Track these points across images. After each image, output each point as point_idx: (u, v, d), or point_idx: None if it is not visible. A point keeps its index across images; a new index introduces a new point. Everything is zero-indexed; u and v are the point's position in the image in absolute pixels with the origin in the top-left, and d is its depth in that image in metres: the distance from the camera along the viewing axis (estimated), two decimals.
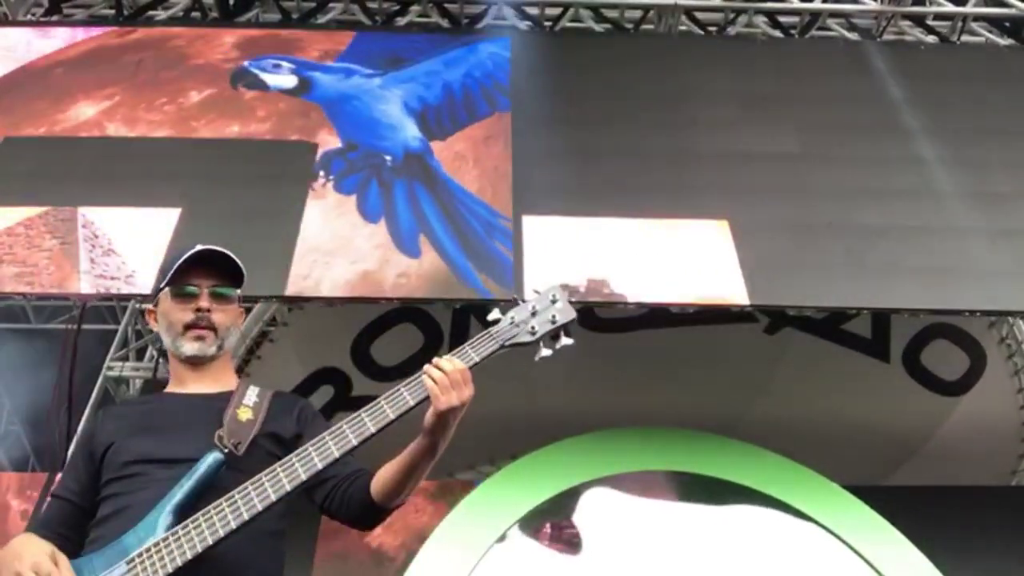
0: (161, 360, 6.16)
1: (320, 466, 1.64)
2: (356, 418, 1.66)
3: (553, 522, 3.93)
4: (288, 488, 1.62)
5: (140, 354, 6.38)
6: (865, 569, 3.81)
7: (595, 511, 3.96)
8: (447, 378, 1.66)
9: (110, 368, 6.00)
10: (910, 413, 5.72)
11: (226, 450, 1.71)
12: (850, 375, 5.75)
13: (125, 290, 3.94)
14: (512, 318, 1.74)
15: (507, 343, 1.73)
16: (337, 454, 1.64)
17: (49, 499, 1.89)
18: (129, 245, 3.99)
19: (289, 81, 4.80)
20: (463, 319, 5.66)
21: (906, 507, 4.05)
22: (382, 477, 1.75)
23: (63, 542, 1.70)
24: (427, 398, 1.66)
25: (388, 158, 4.42)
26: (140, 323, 6.48)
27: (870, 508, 3.96)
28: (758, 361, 5.71)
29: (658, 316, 5.23)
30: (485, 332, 1.74)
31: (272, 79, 4.80)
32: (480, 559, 3.74)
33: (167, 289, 1.89)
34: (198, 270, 1.89)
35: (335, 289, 3.90)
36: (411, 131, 4.55)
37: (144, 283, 3.87)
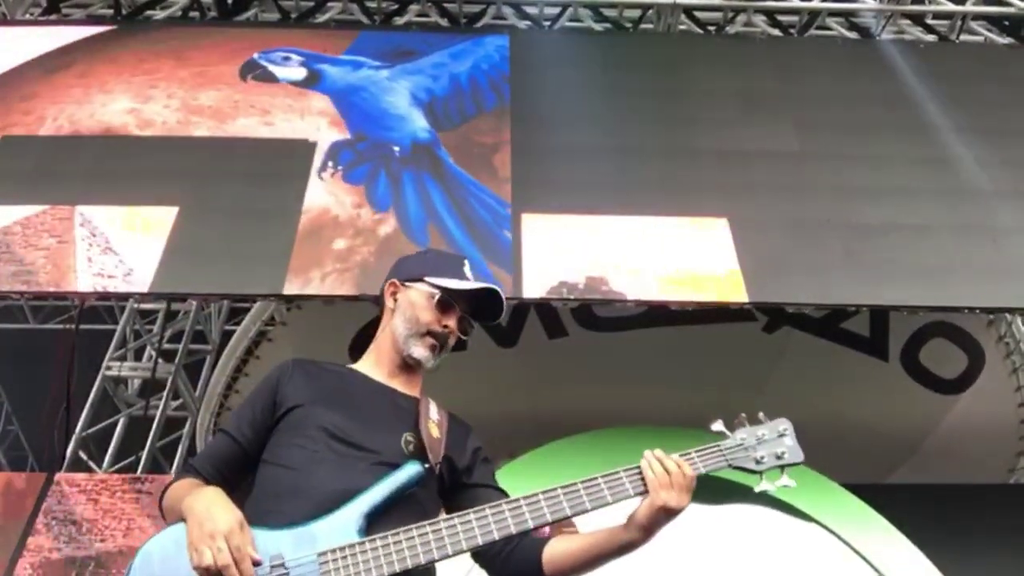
0: (160, 360, 6.16)
1: (531, 525, 1.59)
2: (572, 489, 1.63)
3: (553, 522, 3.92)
4: (496, 536, 1.58)
5: (138, 354, 6.38)
6: (865, 568, 3.80)
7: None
8: (669, 477, 1.64)
9: (108, 368, 6.00)
10: (909, 412, 5.72)
11: (427, 465, 1.66)
12: (849, 374, 5.75)
13: (123, 288, 3.92)
14: (742, 440, 1.72)
15: (733, 464, 1.71)
16: (550, 518, 1.60)
17: (220, 433, 1.82)
18: (127, 243, 3.97)
19: (298, 73, 4.82)
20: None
21: (906, 506, 4.04)
22: (562, 549, 1.69)
23: (224, 485, 1.66)
24: (645, 492, 1.63)
25: (396, 149, 4.44)
26: (138, 323, 6.49)
27: (870, 507, 3.96)
28: (756, 360, 5.70)
29: (657, 315, 5.23)
30: (714, 446, 1.72)
31: (281, 71, 4.82)
32: None
33: (437, 290, 1.81)
34: (464, 291, 1.83)
35: (334, 288, 3.90)
36: (419, 122, 4.57)
37: (142, 281, 3.87)
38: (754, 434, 1.73)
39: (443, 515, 1.64)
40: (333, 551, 1.54)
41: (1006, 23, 5.65)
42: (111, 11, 5.49)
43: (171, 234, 3.96)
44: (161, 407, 5.95)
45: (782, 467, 1.72)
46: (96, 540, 4.05)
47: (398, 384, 1.82)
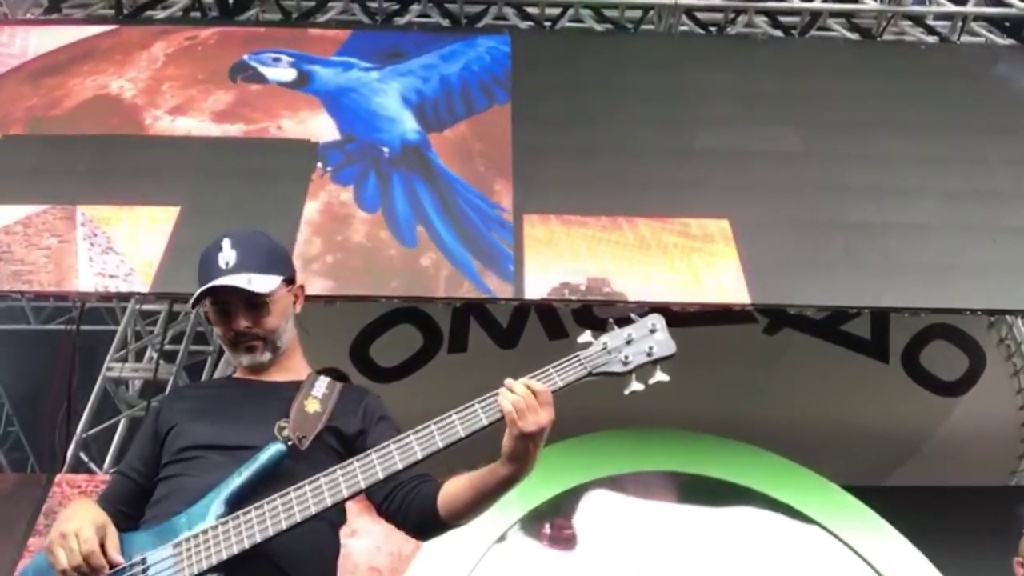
0: (162, 361, 6.16)
1: (381, 476, 1.57)
2: (425, 429, 1.58)
3: (553, 522, 3.92)
4: (346, 494, 1.56)
5: (140, 355, 6.36)
6: (865, 569, 3.80)
7: (595, 512, 3.95)
8: (523, 400, 1.55)
9: (109, 369, 5.98)
10: (909, 413, 5.70)
11: (289, 442, 1.66)
12: (849, 375, 5.74)
13: (124, 288, 3.92)
14: (605, 344, 1.61)
15: (596, 371, 1.60)
16: (400, 466, 1.57)
17: (113, 474, 1.89)
18: (128, 243, 3.97)
19: (288, 74, 4.83)
20: (462, 319, 5.65)
21: (906, 507, 4.03)
22: (452, 492, 1.67)
23: (121, 518, 1.68)
24: (501, 418, 1.56)
25: (385, 150, 4.45)
26: (139, 324, 6.48)
27: (870, 508, 3.95)
28: (758, 361, 5.69)
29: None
30: (573, 356, 1.61)
31: (271, 72, 4.83)
32: (480, 559, 3.73)
33: (206, 303, 1.81)
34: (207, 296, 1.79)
35: (334, 287, 3.90)
36: (409, 123, 4.58)
37: (143, 282, 3.87)
38: (621, 336, 1.61)
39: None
40: (188, 539, 1.56)
41: (1007, 24, 5.65)
42: (112, 11, 5.49)
43: (172, 234, 3.96)
44: None
45: (654, 362, 1.60)
46: None
47: (275, 376, 1.83)
